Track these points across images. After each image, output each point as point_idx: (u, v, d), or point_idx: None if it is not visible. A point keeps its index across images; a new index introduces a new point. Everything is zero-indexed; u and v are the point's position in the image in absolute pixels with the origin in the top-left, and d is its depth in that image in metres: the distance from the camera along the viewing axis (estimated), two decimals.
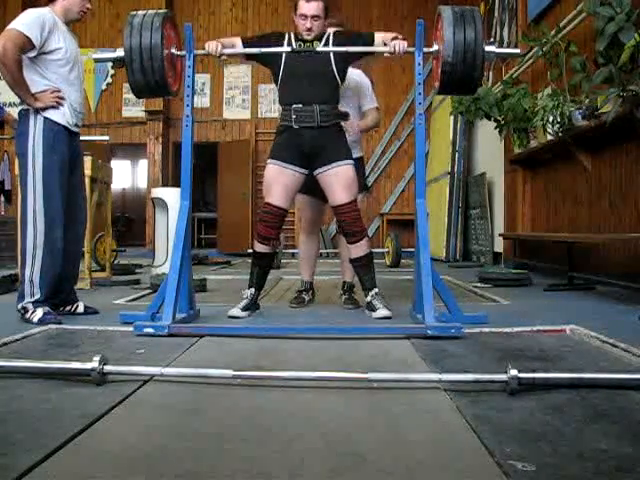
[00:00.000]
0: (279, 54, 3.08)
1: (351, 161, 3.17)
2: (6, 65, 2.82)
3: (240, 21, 10.55)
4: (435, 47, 2.88)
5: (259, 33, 3.28)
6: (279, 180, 3.14)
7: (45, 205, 2.93)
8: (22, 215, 3.01)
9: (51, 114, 2.95)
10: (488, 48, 2.74)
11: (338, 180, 3.11)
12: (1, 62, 2.82)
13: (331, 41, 3.12)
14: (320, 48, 3.07)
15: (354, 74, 3.47)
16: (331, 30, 3.20)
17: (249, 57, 3.18)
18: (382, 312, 3.05)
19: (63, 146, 3.01)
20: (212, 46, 2.98)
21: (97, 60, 3.10)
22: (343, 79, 3.17)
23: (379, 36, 3.05)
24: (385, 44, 3.00)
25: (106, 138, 6.91)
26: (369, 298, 3.17)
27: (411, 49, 2.89)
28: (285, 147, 3.14)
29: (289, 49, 3.08)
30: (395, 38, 2.96)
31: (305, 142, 3.09)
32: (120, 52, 2.78)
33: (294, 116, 3.06)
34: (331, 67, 3.09)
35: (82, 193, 3.33)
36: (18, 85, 2.88)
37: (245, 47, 3.10)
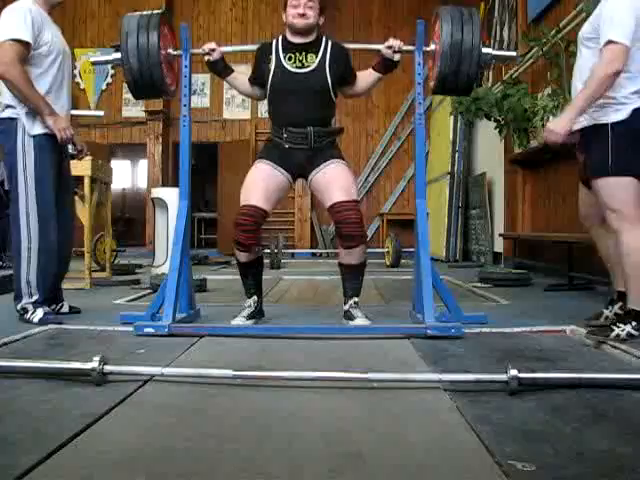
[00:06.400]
0: (268, 64, 2.84)
1: (344, 161, 2.90)
2: (16, 86, 2.74)
3: (240, 21, 10.55)
4: (432, 47, 2.87)
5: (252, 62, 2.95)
6: (263, 180, 2.83)
7: (38, 205, 2.89)
8: (13, 216, 2.94)
9: (39, 129, 2.86)
10: (485, 50, 2.73)
11: (334, 178, 2.82)
12: (9, 83, 2.75)
13: (329, 53, 2.83)
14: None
15: None
16: (329, 41, 2.88)
17: (254, 83, 2.96)
18: (360, 321, 2.77)
19: (52, 149, 2.96)
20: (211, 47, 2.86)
21: (95, 63, 3.05)
22: (336, 96, 2.91)
23: (361, 73, 2.97)
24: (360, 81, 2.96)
25: (100, 113, 7.01)
26: (347, 307, 2.86)
27: (410, 47, 2.87)
28: (275, 153, 2.88)
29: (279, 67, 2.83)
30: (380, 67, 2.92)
31: (295, 160, 2.85)
32: (117, 54, 2.76)
33: (285, 135, 2.81)
34: (327, 84, 2.81)
35: (70, 196, 3.31)
36: (31, 99, 2.78)
37: (251, 83, 2.96)
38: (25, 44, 2.75)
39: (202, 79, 10.41)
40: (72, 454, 1.26)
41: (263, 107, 10.54)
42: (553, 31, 4.70)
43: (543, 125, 4.62)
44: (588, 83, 2.40)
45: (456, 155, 8.18)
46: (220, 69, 2.94)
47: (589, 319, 2.81)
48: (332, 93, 2.86)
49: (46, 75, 2.90)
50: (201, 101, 10.48)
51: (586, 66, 2.52)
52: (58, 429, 1.38)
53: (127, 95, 10.59)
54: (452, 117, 7.83)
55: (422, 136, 2.91)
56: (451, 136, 8.23)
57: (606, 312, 2.76)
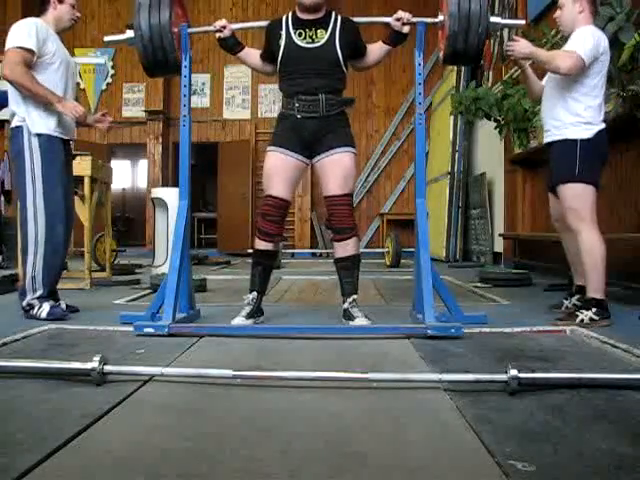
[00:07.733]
0: (278, 40, 2.88)
1: (352, 149, 2.93)
2: (20, 84, 2.90)
3: (240, 21, 10.54)
4: (440, 17, 2.87)
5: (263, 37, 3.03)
6: (280, 169, 2.90)
7: (45, 200, 2.97)
8: (21, 213, 3.04)
9: (42, 129, 2.99)
10: (493, 19, 2.74)
11: (334, 168, 2.87)
12: (15, 82, 2.91)
13: (339, 28, 2.87)
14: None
15: None
16: (339, 16, 2.92)
17: (265, 59, 3.01)
18: (361, 321, 2.78)
19: (59, 149, 3.07)
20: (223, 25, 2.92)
21: (108, 43, 3.00)
22: (347, 69, 2.94)
23: (372, 46, 3.02)
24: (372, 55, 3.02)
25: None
26: (347, 305, 2.87)
27: (417, 19, 2.87)
28: (287, 135, 2.92)
29: (290, 40, 2.87)
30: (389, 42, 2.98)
31: (308, 131, 2.87)
32: (130, 33, 2.78)
33: (297, 105, 2.85)
34: (338, 58, 2.86)
35: (71, 196, 3.37)
36: (38, 92, 2.93)
37: (262, 59, 3.01)
38: (29, 51, 2.91)
39: (202, 79, 10.43)
40: (72, 454, 1.26)
41: (263, 107, 10.57)
42: (553, 31, 4.69)
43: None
44: (554, 55, 2.84)
45: (456, 155, 8.18)
46: (231, 45, 3.00)
47: (552, 307, 3.25)
48: (343, 66, 2.91)
49: (50, 81, 3.01)
50: (201, 101, 10.49)
51: (551, 93, 3.00)
52: (58, 429, 1.38)
53: (127, 95, 10.60)
54: (452, 117, 7.83)
55: (422, 136, 2.92)
56: (451, 136, 8.24)
57: (566, 302, 3.19)
